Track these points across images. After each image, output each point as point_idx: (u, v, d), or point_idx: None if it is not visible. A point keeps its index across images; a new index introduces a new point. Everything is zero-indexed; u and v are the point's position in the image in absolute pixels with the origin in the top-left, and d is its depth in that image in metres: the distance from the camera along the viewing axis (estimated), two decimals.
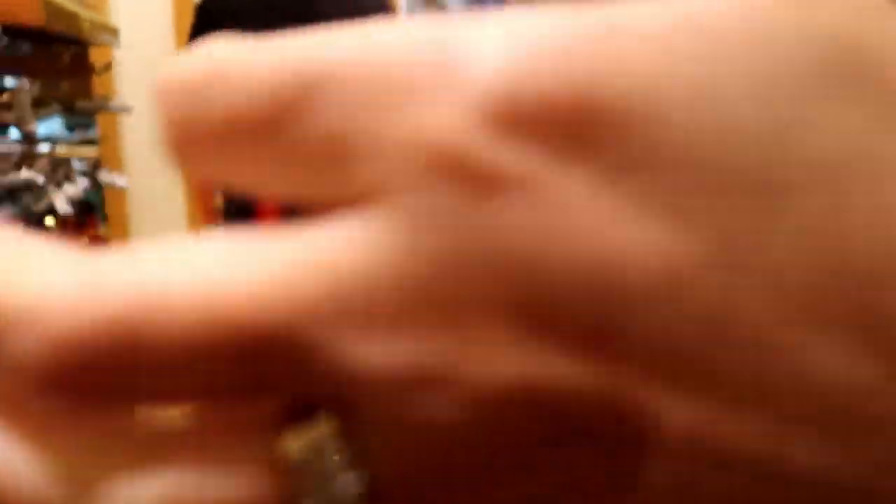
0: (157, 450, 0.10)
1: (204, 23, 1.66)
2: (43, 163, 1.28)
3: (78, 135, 1.98)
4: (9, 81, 1.31)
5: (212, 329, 0.09)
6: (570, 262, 0.09)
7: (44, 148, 1.35)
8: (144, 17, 2.96)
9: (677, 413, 0.09)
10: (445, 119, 0.09)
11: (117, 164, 3.02)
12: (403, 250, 0.09)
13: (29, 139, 1.23)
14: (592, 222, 0.09)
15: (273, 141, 0.10)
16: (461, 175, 0.09)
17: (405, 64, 0.10)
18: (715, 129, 0.09)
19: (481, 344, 0.09)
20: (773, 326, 0.09)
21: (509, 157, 0.09)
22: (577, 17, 0.10)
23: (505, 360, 0.09)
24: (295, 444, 0.10)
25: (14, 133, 1.25)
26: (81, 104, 1.44)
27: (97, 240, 1.43)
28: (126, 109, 1.57)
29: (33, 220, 0.94)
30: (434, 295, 0.09)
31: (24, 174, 0.96)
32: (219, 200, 2.38)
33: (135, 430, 0.10)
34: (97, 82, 2.59)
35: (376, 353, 0.09)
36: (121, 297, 0.09)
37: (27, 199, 0.96)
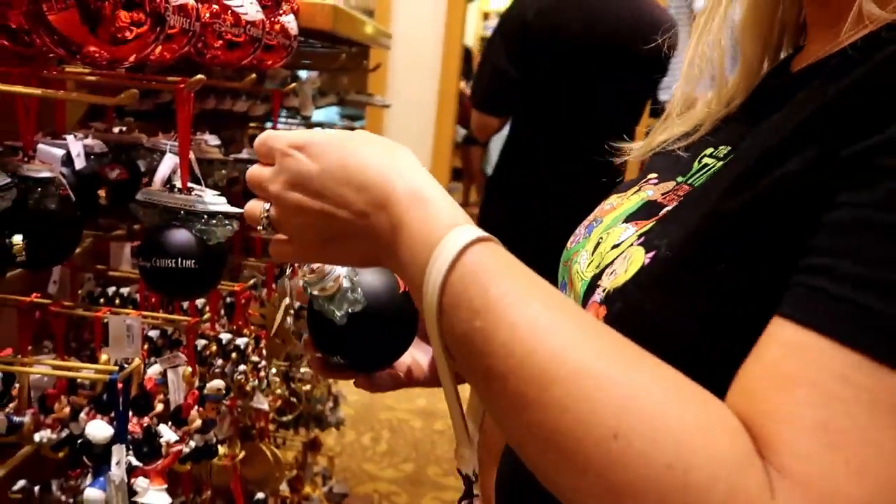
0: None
1: (519, 32, 1.77)
2: None
3: (347, 124, 2.26)
4: (301, 73, 1.58)
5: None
6: None
7: None
8: (419, 30, 3.29)
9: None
10: None
11: None
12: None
13: (307, 124, 1.47)
14: None
15: None
16: None
17: None
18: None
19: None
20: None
21: None
22: None
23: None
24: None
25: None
26: (351, 97, 1.68)
27: None
28: (385, 105, 1.78)
29: None
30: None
31: None
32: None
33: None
34: (372, 79, 2.94)
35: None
36: None
37: None
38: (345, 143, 0.46)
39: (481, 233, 0.41)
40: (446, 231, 0.41)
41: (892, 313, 0.32)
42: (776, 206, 0.40)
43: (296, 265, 0.61)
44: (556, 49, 1.74)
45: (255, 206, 0.51)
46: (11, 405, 0.94)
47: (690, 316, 0.42)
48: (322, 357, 0.58)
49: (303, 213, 0.47)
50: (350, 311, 0.54)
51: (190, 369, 0.92)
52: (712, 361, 0.38)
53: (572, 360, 0.36)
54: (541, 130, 1.83)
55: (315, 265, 0.54)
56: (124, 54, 0.60)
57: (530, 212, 1.87)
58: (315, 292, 0.55)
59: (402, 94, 3.27)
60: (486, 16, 8.30)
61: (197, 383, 0.94)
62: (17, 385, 0.92)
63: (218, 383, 0.91)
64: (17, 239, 0.71)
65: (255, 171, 0.50)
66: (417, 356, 0.64)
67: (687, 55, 0.60)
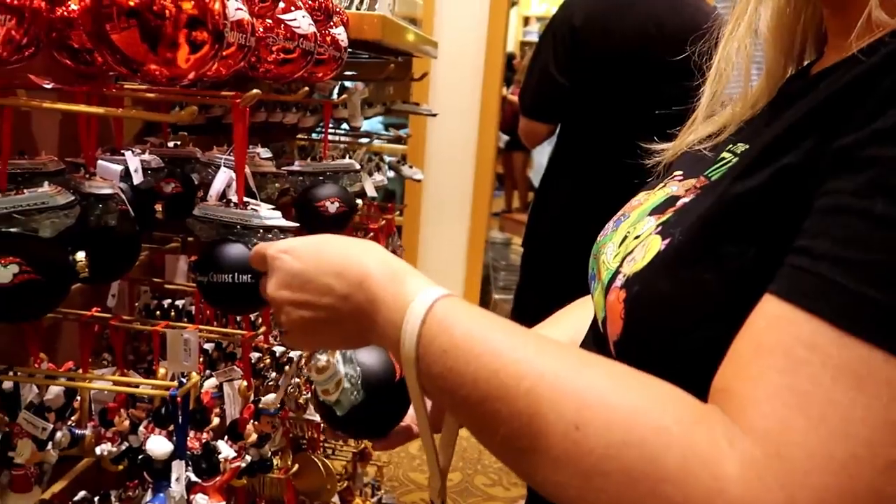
0: None
1: (567, 37, 1.72)
2: (361, 154, 1.53)
3: (393, 132, 2.26)
4: (349, 84, 1.59)
5: None
6: None
7: (363, 141, 1.60)
8: (461, 37, 3.28)
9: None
10: None
11: (419, 161, 3.41)
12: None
13: (355, 133, 1.47)
14: None
15: None
16: None
17: None
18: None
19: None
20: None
21: None
22: None
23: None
24: None
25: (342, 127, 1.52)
26: (398, 106, 1.67)
27: (391, 224, 1.65)
28: (432, 114, 1.78)
29: (348, 199, 1.13)
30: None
31: (345, 161, 1.15)
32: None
33: None
34: (415, 89, 2.94)
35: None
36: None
37: (345, 180, 1.16)
38: (323, 242, 0.54)
39: (445, 291, 0.48)
40: (416, 294, 0.48)
41: (857, 288, 0.36)
42: (776, 192, 0.43)
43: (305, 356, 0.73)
44: (605, 55, 1.70)
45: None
46: (73, 418, 0.95)
47: (700, 294, 0.46)
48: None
49: (293, 307, 0.54)
50: (351, 406, 0.64)
51: (245, 383, 0.92)
52: (721, 336, 0.41)
53: (531, 373, 0.42)
54: (591, 138, 1.78)
55: (320, 362, 0.63)
56: (184, 72, 0.60)
57: (580, 221, 1.83)
58: (319, 393, 0.65)
59: (445, 102, 3.27)
60: (526, 21, 8.26)
61: (252, 397, 0.94)
62: (78, 398, 0.94)
63: (273, 397, 0.91)
64: (80, 256, 0.72)
65: (263, 287, 0.59)
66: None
67: (714, 60, 0.63)
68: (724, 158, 0.55)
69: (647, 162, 0.72)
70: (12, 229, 0.68)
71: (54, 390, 0.96)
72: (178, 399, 0.72)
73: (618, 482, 0.38)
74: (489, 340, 0.44)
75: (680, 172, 0.62)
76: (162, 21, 0.57)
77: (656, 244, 0.51)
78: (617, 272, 0.54)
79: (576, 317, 0.78)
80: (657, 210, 0.57)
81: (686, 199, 0.55)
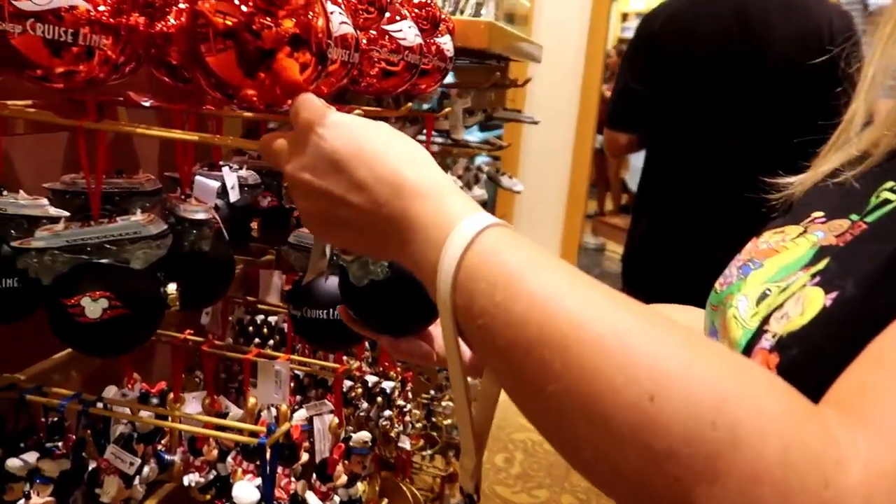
0: None
1: (646, 43, 1.64)
2: (460, 165, 1.45)
3: (487, 136, 2.18)
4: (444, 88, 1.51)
5: None
6: None
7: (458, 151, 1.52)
8: (561, 36, 3.16)
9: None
10: None
11: (513, 166, 3.31)
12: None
13: (455, 145, 1.40)
14: None
15: None
16: None
17: None
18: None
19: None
20: None
21: None
22: None
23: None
24: None
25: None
26: (500, 114, 1.59)
27: None
28: (535, 122, 1.68)
29: None
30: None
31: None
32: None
33: None
34: (510, 95, 2.85)
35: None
36: None
37: None
38: (370, 127, 0.46)
39: (496, 220, 0.41)
40: (463, 217, 0.41)
41: None
42: None
43: None
44: (686, 58, 1.56)
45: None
46: (164, 442, 0.93)
47: None
48: (350, 315, 0.61)
49: (314, 195, 0.47)
50: (372, 279, 0.57)
51: (337, 420, 0.86)
52: None
53: (596, 323, 0.35)
54: (678, 150, 1.65)
55: None
56: (283, 100, 0.54)
57: (672, 236, 1.70)
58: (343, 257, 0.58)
59: (542, 104, 3.15)
60: (625, 17, 7.98)
61: (343, 434, 0.88)
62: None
63: (364, 436, 0.85)
64: (171, 288, 0.68)
65: (272, 143, 0.50)
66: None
67: (867, 68, 0.53)
68: (886, 199, 0.47)
69: (770, 197, 0.62)
70: (104, 260, 0.64)
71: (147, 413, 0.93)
72: (268, 448, 0.67)
73: (696, 472, 0.30)
74: (549, 279, 0.37)
75: (821, 214, 0.53)
76: (261, 42, 0.51)
77: (818, 298, 0.43)
78: (761, 332, 0.46)
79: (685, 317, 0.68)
80: (807, 265, 0.49)
81: (841, 245, 0.48)
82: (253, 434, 0.70)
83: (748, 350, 0.47)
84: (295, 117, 0.48)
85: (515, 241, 0.40)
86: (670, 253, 1.71)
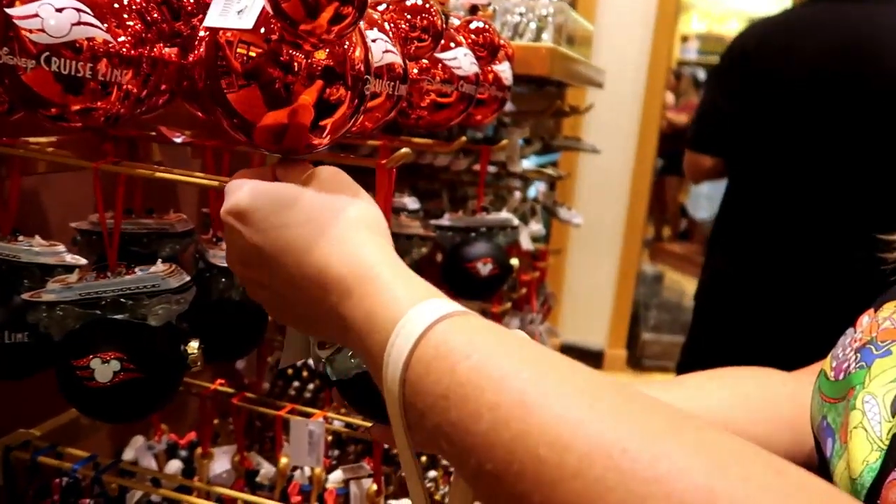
0: None
1: (737, 61, 1.52)
2: (515, 199, 1.36)
3: (542, 161, 2.09)
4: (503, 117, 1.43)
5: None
6: None
7: (516, 183, 1.43)
8: (621, 57, 3.04)
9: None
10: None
11: (569, 194, 3.20)
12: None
13: (510, 176, 1.31)
14: None
15: None
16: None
17: None
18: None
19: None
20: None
21: None
22: None
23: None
24: None
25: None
26: (559, 142, 1.49)
27: (543, 272, 1.47)
28: (596, 150, 1.58)
29: (503, 259, 0.97)
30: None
31: (503, 215, 0.99)
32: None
33: None
34: (567, 122, 2.75)
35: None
36: None
37: (501, 237, 1.00)
38: (290, 202, 0.42)
39: (450, 304, 0.36)
40: (404, 311, 0.36)
41: None
42: None
43: None
44: (782, 79, 1.41)
45: None
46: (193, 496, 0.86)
47: None
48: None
49: (255, 285, 0.45)
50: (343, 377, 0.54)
51: (375, 487, 0.78)
52: None
53: (578, 442, 0.28)
54: (766, 180, 1.50)
55: None
56: (315, 143, 0.46)
57: (754, 276, 1.54)
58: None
59: (601, 130, 3.04)
60: (685, 39, 7.77)
61: (382, 502, 0.79)
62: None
63: None
64: (194, 346, 0.61)
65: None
66: None
67: None
68: None
69: (885, 256, 0.52)
70: (118, 316, 0.58)
71: (174, 466, 0.87)
72: None
73: None
74: (511, 380, 0.32)
75: None
76: (290, 76, 0.43)
77: None
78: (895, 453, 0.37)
79: (728, 386, 0.58)
80: None
81: None
82: None
83: (883, 474, 0.37)
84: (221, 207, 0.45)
85: (465, 336, 0.34)
86: (749, 294, 1.55)
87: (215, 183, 0.55)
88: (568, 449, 0.28)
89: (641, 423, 0.29)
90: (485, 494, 0.32)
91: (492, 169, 1.34)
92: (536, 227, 1.33)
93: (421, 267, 0.95)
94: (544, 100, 1.50)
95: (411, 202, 1.01)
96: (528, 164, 1.55)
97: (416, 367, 0.34)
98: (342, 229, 0.41)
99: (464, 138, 0.82)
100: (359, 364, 0.54)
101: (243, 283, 0.46)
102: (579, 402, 0.30)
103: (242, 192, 0.43)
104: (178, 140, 0.71)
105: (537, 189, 1.77)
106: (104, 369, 0.55)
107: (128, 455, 0.87)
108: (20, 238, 0.63)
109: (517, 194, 1.32)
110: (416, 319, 0.35)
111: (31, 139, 0.66)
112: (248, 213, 0.42)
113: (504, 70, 0.90)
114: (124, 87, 0.54)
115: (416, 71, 0.75)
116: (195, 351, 0.61)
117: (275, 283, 0.42)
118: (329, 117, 0.46)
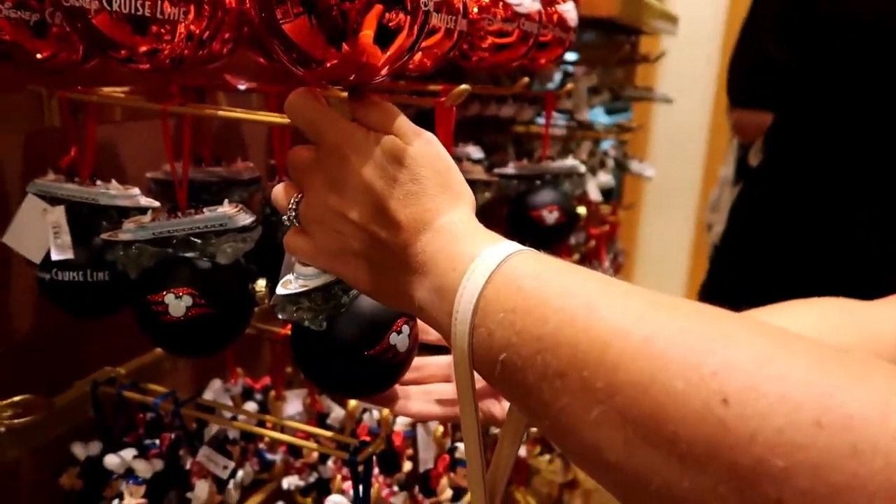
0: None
1: (803, 11, 1.37)
2: (584, 148, 1.33)
3: (615, 119, 2.03)
4: (568, 67, 1.39)
5: None
6: None
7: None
8: (697, 6, 2.90)
9: None
10: None
11: (642, 149, 3.10)
12: None
13: (579, 126, 1.28)
14: None
15: None
16: None
17: None
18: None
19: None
20: None
21: None
22: None
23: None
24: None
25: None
26: (629, 92, 1.44)
27: (614, 228, 1.44)
28: (668, 100, 1.51)
29: (569, 207, 0.95)
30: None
31: (570, 162, 0.97)
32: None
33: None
34: (640, 71, 2.65)
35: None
36: None
37: (567, 185, 0.98)
38: (405, 158, 0.42)
39: (520, 247, 0.38)
40: (483, 248, 0.38)
41: None
42: None
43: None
44: (849, 26, 1.27)
45: (286, 193, 0.47)
46: (266, 440, 0.89)
47: None
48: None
49: (330, 224, 0.43)
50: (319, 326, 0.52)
51: (442, 429, 0.79)
52: None
53: (639, 327, 0.30)
54: (825, 141, 1.34)
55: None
56: (374, 73, 0.46)
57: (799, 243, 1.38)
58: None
59: (675, 81, 2.92)
60: None
61: (449, 443, 0.80)
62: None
63: None
64: (261, 285, 0.62)
65: (299, 153, 0.46)
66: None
67: None
68: None
69: None
70: (189, 254, 0.60)
71: (249, 407, 0.90)
72: (360, 467, 0.60)
73: (800, 491, 0.23)
74: (574, 291, 0.33)
75: None
76: (346, 2, 0.43)
77: None
78: None
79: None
80: None
81: None
82: (344, 446, 0.64)
83: None
84: (321, 135, 0.44)
85: (533, 265, 0.36)
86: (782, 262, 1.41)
87: (278, 119, 0.56)
88: (630, 335, 0.30)
89: (701, 315, 0.30)
90: (548, 401, 0.32)
91: (562, 123, 1.31)
92: (605, 177, 1.29)
93: (485, 215, 0.95)
94: (614, 49, 1.45)
95: (475, 151, 1.00)
96: (598, 117, 1.50)
97: (488, 294, 0.36)
98: (447, 177, 0.43)
99: (526, 79, 0.80)
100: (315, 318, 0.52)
101: (317, 217, 0.44)
102: (641, 302, 0.32)
103: (351, 125, 0.44)
104: (243, 87, 0.72)
105: (608, 146, 1.72)
106: (177, 304, 0.57)
107: (206, 396, 0.91)
108: (98, 182, 0.65)
109: (585, 144, 1.29)
110: (490, 255, 0.37)
111: (106, 88, 0.69)
112: (361, 145, 0.42)
113: (568, 10, 0.87)
114: (187, 26, 0.55)
115: (476, 10, 0.73)
116: (263, 289, 0.63)
117: (365, 219, 0.41)
118: (389, 46, 0.45)
